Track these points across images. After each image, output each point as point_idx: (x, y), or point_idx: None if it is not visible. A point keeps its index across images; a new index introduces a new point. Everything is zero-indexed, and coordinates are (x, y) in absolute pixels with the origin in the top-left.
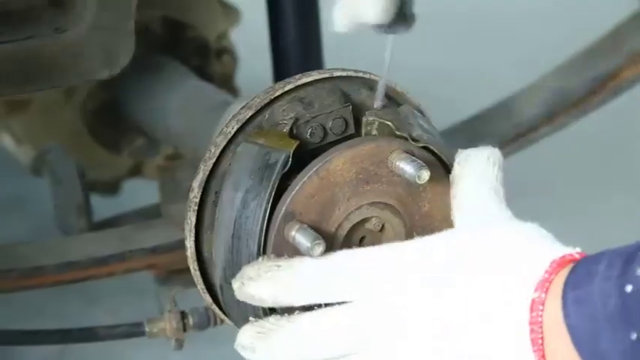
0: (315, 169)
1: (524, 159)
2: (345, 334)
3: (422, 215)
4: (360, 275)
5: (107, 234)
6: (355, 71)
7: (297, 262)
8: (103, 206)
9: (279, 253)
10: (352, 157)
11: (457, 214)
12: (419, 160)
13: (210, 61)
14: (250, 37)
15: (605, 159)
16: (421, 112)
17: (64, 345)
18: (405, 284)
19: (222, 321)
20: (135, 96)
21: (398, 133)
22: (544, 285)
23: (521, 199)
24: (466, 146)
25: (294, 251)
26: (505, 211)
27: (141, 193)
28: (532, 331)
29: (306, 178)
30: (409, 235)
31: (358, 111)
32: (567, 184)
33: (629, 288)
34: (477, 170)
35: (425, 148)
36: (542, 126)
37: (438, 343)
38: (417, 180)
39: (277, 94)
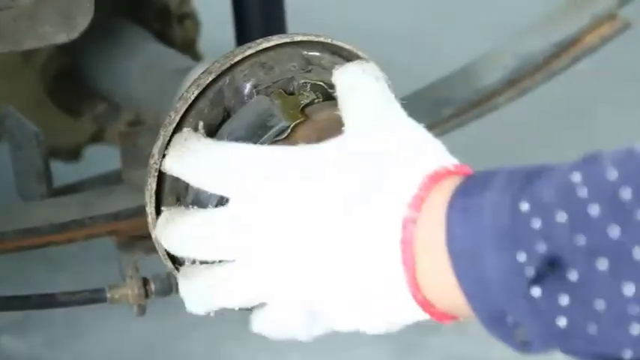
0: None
1: (486, 126)
2: (222, 235)
3: None
4: (238, 168)
5: (67, 200)
6: (316, 36)
7: (204, 145)
8: (64, 172)
9: None
10: (311, 124)
11: (347, 124)
12: None
13: (171, 26)
14: (213, 2)
15: (566, 123)
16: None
17: (26, 312)
18: (285, 179)
19: None
20: (95, 61)
21: (331, 91)
22: (416, 202)
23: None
24: (427, 114)
25: None
26: (393, 112)
27: (102, 159)
28: (403, 250)
29: (267, 145)
30: None
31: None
32: (529, 149)
33: (525, 206)
34: (355, 81)
35: None
36: (505, 91)
37: (309, 245)
38: None
39: (237, 58)
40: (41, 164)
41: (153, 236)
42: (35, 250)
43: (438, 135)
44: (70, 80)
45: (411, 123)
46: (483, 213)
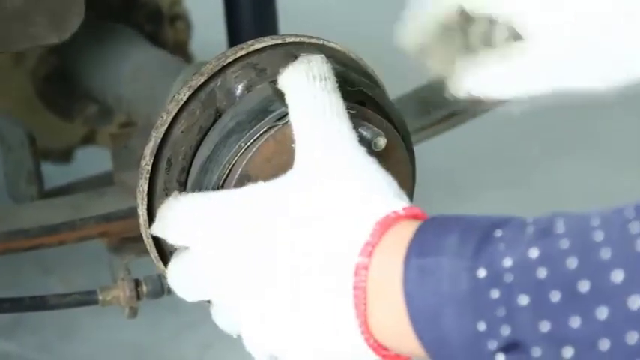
0: (272, 133)
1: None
2: (185, 278)
3: None
4: (195, 220)
5: (58, 202)
6: (308, 37)
7: (175, 201)
8: (55, 174)
9: None
10: None
11: (295, 158)
12: (375, 128)
13: (163, 28)
14: (205, 3)
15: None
16: (371, 78)
17: (17, 314)
18: (231, 231)
19: None
20: (86, 62)
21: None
22: (367, 249)
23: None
24: (419, 115)
25: None
26: (343, 137)
27: (93, 161)
28: (355, 296)
29: (262, 142)
30: None
31: None
32: (522, 150)
33: (482, 273)
34: (300, 96)
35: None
36: None
37: (252, 293)
38: (373, 147)
39: (229, 60)
40: (32, 166)
41: (144, 238)
42: (26, 252)
43: (430, 137)
44: (61, 82)
45: (357, 152)
46: (440, 276)
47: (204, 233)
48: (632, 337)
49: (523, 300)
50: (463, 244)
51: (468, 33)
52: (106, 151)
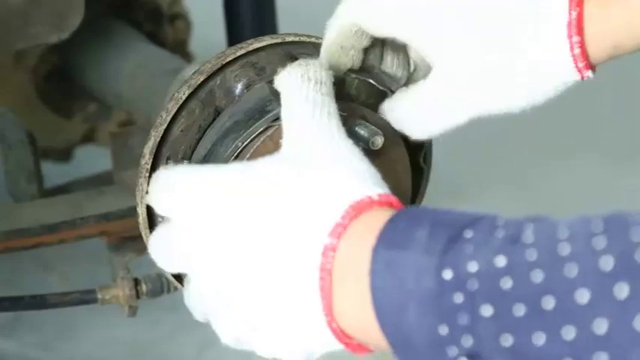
0: (269, 133)
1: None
2: (163, 247)
3: None
4: (177, 189)
5: (58, 200)
6: (308, 36)
7: (164, 171)
8: (54, 173)
9: None
10: None
11: (283, 142)
12: (373, 126)
13: (163, 27)
14: (204, 2)
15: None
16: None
17: (17, 313)
18: (217, 199)
19: (175, 288)
20: (86, 61)
21: (380, 87)
22: (336, 231)
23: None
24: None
25: None
26: (326, 130)
27: (93, 159)
28: (321, 278)
29: (259, 142)
30: None
31: None
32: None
33: (448, 274)
34: (293, 96)
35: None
36: None
37: (224, 270)
38: (370, 146)
39: (229, 59)
40: (32, 164)
41: (144, 237)
42: (26, 250)
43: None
44: (61, 80)
45: (343, 143)
46: (406, 272)
47: (184, 203)
48: None
49: (486, 311)
50: (432, 240)
51: (365, 53)
52: (106, 150)
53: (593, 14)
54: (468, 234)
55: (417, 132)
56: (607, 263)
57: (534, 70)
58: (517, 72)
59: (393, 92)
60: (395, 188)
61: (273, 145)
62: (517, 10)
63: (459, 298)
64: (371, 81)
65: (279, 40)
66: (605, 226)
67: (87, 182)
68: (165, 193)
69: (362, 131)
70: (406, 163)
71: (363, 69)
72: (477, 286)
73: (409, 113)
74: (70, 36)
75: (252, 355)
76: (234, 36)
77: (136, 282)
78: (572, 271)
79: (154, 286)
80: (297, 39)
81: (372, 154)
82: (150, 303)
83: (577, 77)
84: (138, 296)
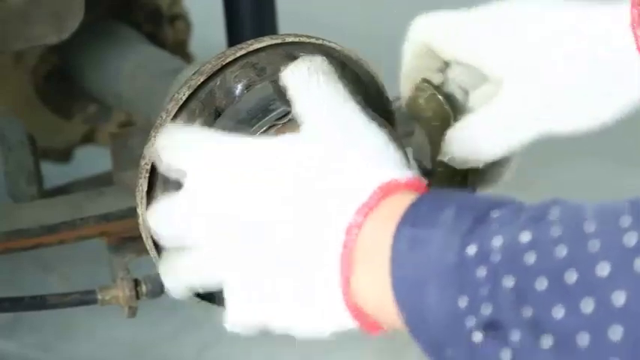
0: (272, 131)
1: None
2: (166, 214)
3: None
4: (191, 150)
5: (58, 201)
6: (308, 37)
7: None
8: (54, 173)
9: None
10: None
11: (302, 125)
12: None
13: (162, 27)
14: (204, 3)
15: None
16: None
17: (16, 314)
18: (241, 166)
19: None
20: (86, 61)
21: (446, 108)
22: (363, 210)
23: None
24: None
25: None
26: (347, 112)
27: (93, 160)
28: (343, 254)
29: None
30: None
31: None
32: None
33: (472, 249)
34: (303, 81)
35: None
36: None
37: (255, 238)
38: None
39: (229, 59)
40: (32, 165)
41: (144, 237)
42: (25, 251)
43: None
44: (60, 81)
45: (367, 125)
46: (430, 247)
47: (206, 165)
48: (614, 333)
49: (508, 282)
50: (458, 220)
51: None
52: (106, 151)
53: None
54: (495, 214)
55: (485, 151)
56: (630, 239)
57: (600, 78)
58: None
59: (456, 119)
60: None
61: None
62: (583, 33)
63: (482, 271)
64: (441, 98)
65: (279, 41)
66: (632, 207)
67: (87, 183)
68: (183, 150)
69: None
70: None
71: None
72: (500, 258)
73: (482, 131)
74: (70, 36)
75: (253, 354)
76: (234, 36)
77: (136, 283)
78: (595, 246)
79: (154, 287)
80: (297, 39)
81: None
82: (150, 304)
83: None
84: (138, 297)
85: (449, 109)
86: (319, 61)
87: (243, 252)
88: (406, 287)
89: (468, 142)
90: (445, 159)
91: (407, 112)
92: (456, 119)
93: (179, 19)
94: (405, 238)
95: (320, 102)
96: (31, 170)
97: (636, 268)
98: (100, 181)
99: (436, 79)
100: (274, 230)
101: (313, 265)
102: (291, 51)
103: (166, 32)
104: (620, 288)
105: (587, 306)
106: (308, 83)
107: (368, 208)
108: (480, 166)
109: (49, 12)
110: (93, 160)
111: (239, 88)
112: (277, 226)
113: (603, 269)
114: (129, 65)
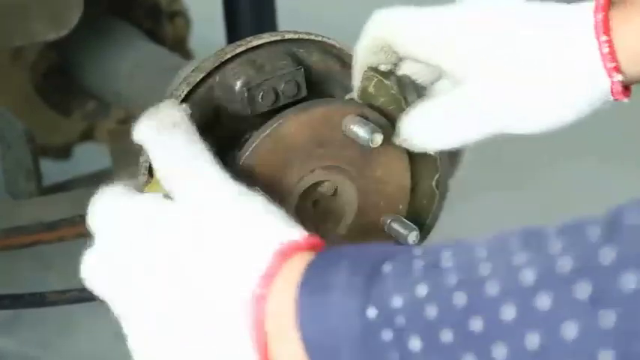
0: (267, 132)
1: None
2: (89, 269)
3: (375, 180)
4: (102, 215)
5: (57, 198)
6: (307, 34)
7: (100, 194)
8: (53, 171)
9: None
10: (305, 120)
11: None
12: (372, 124)
13: (162, 24)
14: (204, 0)
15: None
16: None
17: (16, 311)
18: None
19: None
20: (85, 58)
21: (394, 93)
22: (266, 281)
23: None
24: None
25: None
26: (212, 174)
27: (92, 157)
28: (256, 329)
29: (258, 141)
30: (362, 200)
31: (310, 74)
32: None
33: (372, 312)
34: (157, 144)
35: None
36: None
37: (162, 324)
38: (369, 143)
39: (228, 56)
40: (31, 162)
41: None
42: (25, 248)
43: None
44: (60, 78)
45: (236, 186)
46: (331, 313)
47: (107, 230)
48: None
49: (415, 344)
50: (352, 280)
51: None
52: (105, 148)
53: (617, 16)
54: (387, 268)
55: (438, 139)
56: (526, 277)
57: (562, 76)
58: (548, 79)
59: (408, 102)
60: (395, 186)
61: (272, 143)
62: (544, 32)
63: (387, 335)
64: (389, 83)
65: (278, 38)
66: (524, 242)
67: (86, 180)
68: (93, 216)
69: (361, 128)
70: (405, 161)
71: (391, 73)
72: (405, 321)
73: (437, 118)
74: (69, 33)
75: None
76: (233, 33)
77: None
78: (494, 288)
79: None
80: (296, 36)
81: (372, 152)
82: None
83: (608, 83)
84: None
85: (397, 93)
86: (167, 108)
87: (152, 332)
88: (323, 356)
89: (422, 126)
90: (397, 142)
91: (361, 102)
92: (408, 103)
93: (178, 15)
94: (307, 307)
95: (177, 165)
96: (30, 167)
97: (540, 308)
98: (99, 178)
99: (383, 67)
100: (182, 312)
101: (227, 343)
102: (291, 48)
103: (166, 29)
104: (531, 330)
105: (500, 351)
106: (161, 142)
107: (270, 278)
108: (432, 153)
109: (48, 8)
110: (92, 157)
111: (238, 85)
112: (179, 300)
113: (508, 313)
114: (128, 62)
